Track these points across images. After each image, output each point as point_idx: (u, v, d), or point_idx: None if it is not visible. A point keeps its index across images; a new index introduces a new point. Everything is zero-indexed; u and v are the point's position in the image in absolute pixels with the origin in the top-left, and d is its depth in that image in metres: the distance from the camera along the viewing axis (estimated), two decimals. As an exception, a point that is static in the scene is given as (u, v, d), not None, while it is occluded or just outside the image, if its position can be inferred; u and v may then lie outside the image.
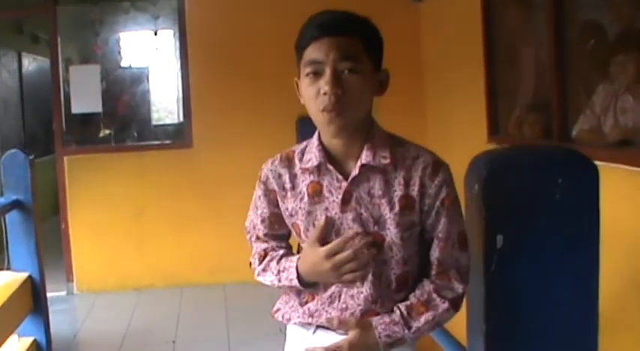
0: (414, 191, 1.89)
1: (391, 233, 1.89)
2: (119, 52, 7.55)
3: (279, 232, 2.06)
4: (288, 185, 1.98)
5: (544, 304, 1.94)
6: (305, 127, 6.50)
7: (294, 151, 2.02)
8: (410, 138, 2.02)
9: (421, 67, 6.75)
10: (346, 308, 1.93)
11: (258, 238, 2.08)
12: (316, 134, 1.97)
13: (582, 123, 3.89)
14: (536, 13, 4.76)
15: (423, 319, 1.89)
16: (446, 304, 1.88)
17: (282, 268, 1.99)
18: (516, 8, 4.96)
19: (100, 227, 6.69)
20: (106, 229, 6.70)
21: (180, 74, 6.96)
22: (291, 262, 1.97)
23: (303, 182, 1.96)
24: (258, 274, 2.06)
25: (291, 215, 1.98)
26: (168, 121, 8.26)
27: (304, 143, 2.02)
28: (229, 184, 6.76)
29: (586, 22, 4.19)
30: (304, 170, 1.95)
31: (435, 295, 1.89)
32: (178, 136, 7.50)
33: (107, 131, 7.27)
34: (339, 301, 1.94)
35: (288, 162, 2.00)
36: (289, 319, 2.03)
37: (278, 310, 2.08)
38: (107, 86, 7.19)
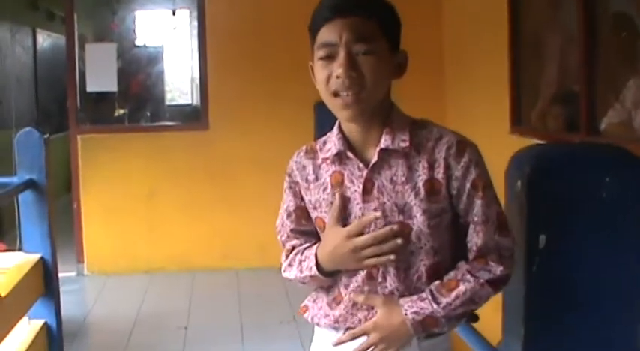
0: (440, 174, 1.80)
1: (418, 221, 1.80)
2: (134, 31, 7.49)
3: (307, 228, 1.96)
4: (311, 177, 1.90)
5: (586, 308, 1.86)
6: (323, 113, 6.40)
7: (317, 142, 1.94)
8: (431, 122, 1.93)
9: (442, 51, 6.64)
10: (372, 307, 1.84)
11: (287, 236, 1.98)
12: (337, 123, 1.89)
13: (611, 117, 3.80)
14: (564, 2, 4.67)
15: (453, 294, 1.77)
16: (481, 281, 1.77)
17: (303, 258, 1.90)
18: (544, -1, 4.87)
19: (112, 208, 6.64)
20: (118, 210, 6.65)
21: (198, 55, 6.85)
22: (311, 250, 1.88)
23: (327, 173, 1.88)
24: (284, 270, 1.97)
25: (315, 208, 1.90)
26: (181, 102, 8.22)
27: (328, 134, 1.93)
28: (244, 168, 6.69)
29: (617, 13, 4.10)
30: (325, 160, 1.87)
31: (468, 276, 1.78)
32: (192, 117, 7.44)
33: (122, 111, 7.22)
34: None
35: (313, 153, 1.92)
36: (318, 324, 1.94)
37: (306, 308, 1.98)
38: (122, 65, 7.13)
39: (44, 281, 3.98)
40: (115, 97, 7.09)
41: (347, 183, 1.85)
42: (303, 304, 2.00)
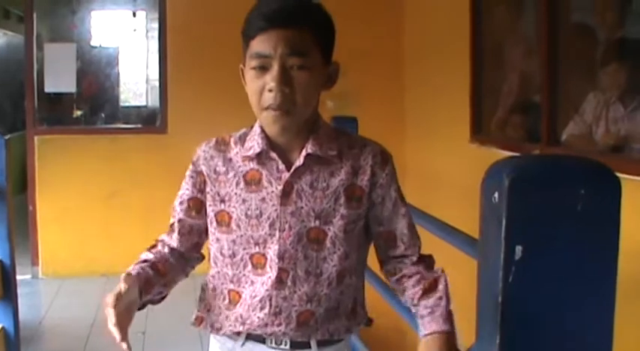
0: (363, 181, 1.83)
1: (334, 227, 1.81)
2: (89, 31, 7.41)
3: (195, 221, 1.93)
4: (221, 169, 1.87)
5: (560, 317, 1.89)
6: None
7: (230, 136, 1.92)
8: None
9: (402, 56, 6.69)
10: (280, 312, 1.83)
11: (171, 225, 1.97)
12: (257, 122, 1.86)
13: (572, 128, 3.87)
14: (526, 13, 4.74)
15: (440, 287, 1.84)
16: (439, 271, 1.87)
17: (137, 262, 1.90)
18: (506, 7, 4.93)
19: (68, 210, 6.55)
20: (74, 213, 6.56)
21: (158, 58, 6.80)
22: (132, 269, 1.86)
23: (240, 168, 1.85)
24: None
25: (222, 201, 1.86)
26: (135, 103, 8.15)
27: (243, 130, 1.91)
28: (203, 172, 6.65)
29: (578, 25, 4.17)
30: (245, 158, 1.84)
31: (427, 273, 1.86)
32: (147, 119, 7.39)
33: (79, 112, 7.13)
34: (270, 306, 1.83)
35: (224, 146, 1.90)
36: (220, 329, 1.91)
37: (201, 319, 1.96)
38: (81, 66, 7.04)
39: (2, 285, 3.91)
40: (73, 98, 6.99)
41: (265, 182, 1.83)
42: (195, 317, 1.99)
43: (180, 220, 1.94)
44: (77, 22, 7.03)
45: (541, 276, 1.83)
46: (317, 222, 1.81)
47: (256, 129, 1.85)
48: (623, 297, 1.91)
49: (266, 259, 1.83)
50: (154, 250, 1.94)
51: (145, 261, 1.90)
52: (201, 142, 1.96)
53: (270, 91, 1.73)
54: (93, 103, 7.33)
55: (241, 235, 1.84)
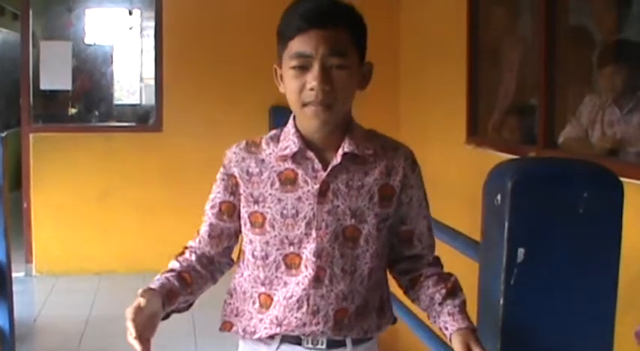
0: (395, 181, 1.87)
1: (369, 225, 1.85)
2: (84, 29, 7.41)
3: (226, 225, 1.94)
4: (254, 170, 1.87)
5: (561, 320, 1.90)
6: (278, 116, 6.49)
7: (261, 138, 1.92)
8: (383, 132, 1.99)
9: (398, 61, 6.70)
10: (317, 310, 1.84)
11: (198, 231, 1.99)
12: (291, 121, 1.87)
13: (569, 131, 3.88)
14: (523, 16, 4.74)
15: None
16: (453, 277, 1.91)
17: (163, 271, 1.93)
18: (504, 9, 4.94)
19: (63, 208, 6.53)
20: (69, 211, 6.54)
21: (154, 57, 6.79)
22: (153, 284, 1.88)
23: (273, 168, 1.86)
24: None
25: (256, 202, 1.87)
26: (129, 102, 8.15)
27: (274, 131, 1.92)
28: (197, 172, 6.62)
29: (575, 28, 4.18)
30: (279, 158, 1.85)
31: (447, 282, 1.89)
32: (140, 117, 7.38)
33: (74, 109, 7.12)
34: (308, 305, 1.84)
35: (255, 147, 1.90)
36: (254, 332, 1.90)
37: (230, 325, 1.96)
38: (77, 64, 7.03)
39: (-2, 283, 3.91)
40: (68, 96, 6.98)
41: (301, 182, 1.84)
42: (223, 323, 1.98)
43: (211, 224, 1.96)
44: (73, 19, 7.01)
45: (543, 279, 1.84)
46: (352, 220, 1.85)
47: (290, 129, 1.86)
48: (622, 300, 1.92)
49: (301, 258, 1.84)
50: (181, 258, 1.97)
51: (171, 270, 1.93)
52: (231, 146, 1.95)
53: (311, 89, 1.77)
54: (87, 101, 7.33)
55: (275, 236, 1.85)
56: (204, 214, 1.97)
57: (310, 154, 1.84)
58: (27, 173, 6.54)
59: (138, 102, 8.18)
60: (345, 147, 1.83)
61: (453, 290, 1.84)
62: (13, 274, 6.00)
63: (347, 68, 1.79)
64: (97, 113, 7.40)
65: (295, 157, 1.84)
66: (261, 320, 1.89)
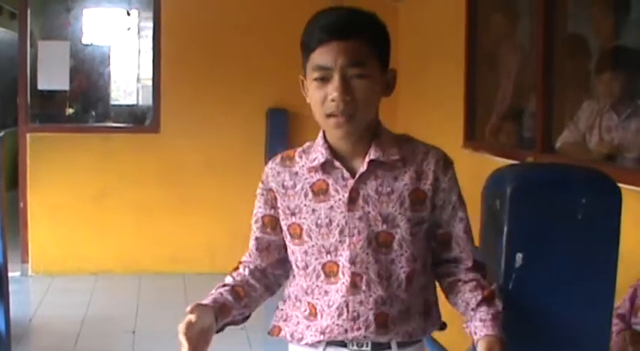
0: (426, 185, 1.88)
1: (401, 230, 1.87)
2: (82, 29, 7.41)
3: (271, 237, 1.99)
4: (288, 183, 1.93)
5: (559, 324, 1.91)
6: (275, 119, 6.52)
7: (295, 151, 1.98)
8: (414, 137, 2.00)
9: (396, 65, 6.67)
10: (358, 316, 1.87)
11: (250, 247, 2.03)
12: (321, 133, 1.93)
13: (566, 136, 3.90)
14: (521, 21, 4.76)
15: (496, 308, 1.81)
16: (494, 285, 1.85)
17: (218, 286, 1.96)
18: (502, 15, 4.95)
19: (59, 208, 6.52)
20: (65, 211, 6.53)
21: (152, 57, 6.79)
22: (216, 291, 1.94)
23: (306, 180, 1.92)
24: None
25: (293, 214, 1.92)
26: (126, 102, 8.15)
27: (307, 144, 1.98)
28: (195, 173, 6.66)
29: (574, 35, 4.20)
30: (310, 169, 1.91)
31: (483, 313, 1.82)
32: (137, 117, 7.38)
33: (71, 110, 7.12)
34: (347, 311, 1.88)
35: (289, 161, 1.96)
36: (301, 339, 1.95)
37: (279, 329, 2.00)
38: (74, 64, 7.03)
39: (-5, 283, 3.91)
40: (66, 96, 6.98)
41: (332, 191, 1.89)
42: (272, 327, 2.02)
43: (257, 238, 2.01)
44: (71, 19, 7.01)
45: (541, 283, 1.85)
46: (384, 226, 1.87)
47: (319, 141, 1.93)
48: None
49: (338, 266, 1.88)
50: (234, 273, 2.00)
51: (224, 285, 1.96)
52: (269, 163, 2.01)
53: (332, 100, 1.81)
54: (85, 101, 7.33)
55: (312, 245, 1.90)
56: (251, 230, 2.03)
57: (337, 163, 1.88)
58: (24, 173, 6.53)
59: (135, 103, 8.18)
60: (371, 154, 1.87)
61: (490, 298, 1.80)
62: (9, 274, 6.00)
63: (367, 77, 1.83)
64: (94, 114, 7.41)
65: (324, 168, 1.90)
66: (308, 327, 1.93)
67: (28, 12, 6.56)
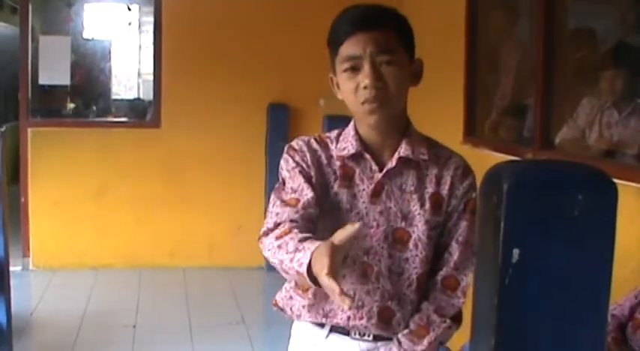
0: (444, 190, 1.91)
1: (419, 230, 1.89)
2: (83, 24, 7.42)
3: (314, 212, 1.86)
4: (324, 161, 1.93)
5: (555, 321, 1.92)
6: (276, 114, 6.52)
7: (327, 136, 1.99)
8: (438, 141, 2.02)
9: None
10: (362, 305, 1.90)
11: (285, 203, 1.85)
12: (351, 124, 1.96)
13: (566, 132, 3.91)
14: (521, 19, 4.77)
15: (425, 341, 1.88)
16: (448, 323, 1.89)
17: (299, 248, 1.68)
18: (502, 12, 4.96)
19: (60, 203, 6.54)
20: (66, 206, 6.55)
21: (153, 52, 6.79)
22: (311, 244, 1.65)
23: (337, 163, 1.93)
24: (268, 247, 1.78)
25: (322, 191, 1.92)
26: (127, 97, 8.16)
27: (335, 131, 1.99)
28: (195, 167, 6.67)
29: (575, 31, 4.20)
30: (339, 157, 1.93)
31: (435, 317, 1.89)
32: (138, 112, 7.39)
33: (72, 105, 7.13)
34: (353, 299, 1.84)
35: (324, 144, 1.97)
36: (299, 316, 1.96)
37: (281, 300, 2.00)
38: (75, 58, 7.04)
39: (-4, 277, 3.92)
40: (67, 91, 6.99)
41: (357, 180, 1.91)
42: (278, 297, 2.01)
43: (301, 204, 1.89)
44: (72, 14, 7.02)
45: (537, 279, 1.85)
46: (403, 223, 1.89)
47: (350, 131, 1.94)
48: (615, 299, 1.95)
49: (349, 253, 1.84)
50: (297, 231, 1.78)
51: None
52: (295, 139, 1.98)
53: (364, 88, 1.84)
54: (85, 96, 7.33)
55: (326, 227, 1.84)
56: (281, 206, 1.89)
57: (367, 155, 1.91)
58: (25, 168, 6.55)
59: (135, 97, 8.19)
60: (402, 151, 1.89)
61: (419, 331, 1.87)
62: (10, 268, 6.03)
63: (396, 64, 1.86)
64: (94, 108, 7.41)
65: (354, 158, 1.91)
66: (312, 306, 1.93)
67: (30, 7, 6.58)
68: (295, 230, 1.76)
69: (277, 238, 1.77)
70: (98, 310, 5.55)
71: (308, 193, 1.86)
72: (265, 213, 1.94)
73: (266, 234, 1.82)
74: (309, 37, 5.98)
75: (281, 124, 6.51)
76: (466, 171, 1.93)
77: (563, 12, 4.12)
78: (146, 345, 4.92)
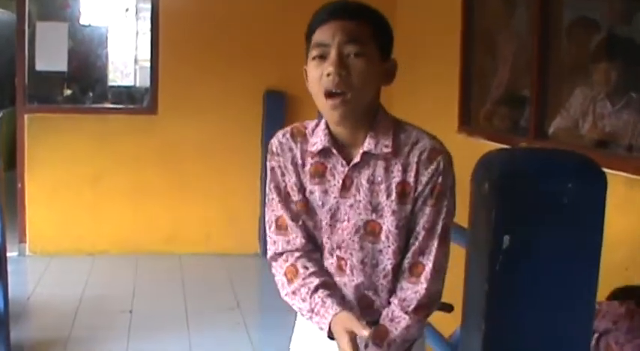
0: (411, 178, 1.89)
1: (387, 221, 1.89)
2: (79, 10, 7.40)
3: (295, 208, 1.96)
4: (299, 161, 1.95)
5: (545, 305, 1.95)
6: (272, 101, 6.54)
7: (306, 128, 1.98)
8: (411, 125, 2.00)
9: (393, 53, 6.72)
10: (343, 297, 1.93)
11: (278, 228, 1.96)
12: (324, 118, 1.95)
13: (559, 122, 3.94)
14: (518, 7, 4.78)
15: (385, 344, 1.90)
16: (411, 316, 1.89)
17: (316, 311, 1.86)
18: (498, 2, 4.97)
19: (57, 189, 6.56)
20: (63, 192, 6.57)
21: (150, 39, 6.78)
22: (327, 312, 1.84)
23: (309, 161, 1.94)
24: (286, 295, 1.95)
25: (299, 191, 1.95)
26: (123, 83, 8.14)
27: (314, 122, 1.99)
28: (192, 154, 6.69)
29: (572, 22, 4.21)
30: (310, 153, 1.94)
31: (397, 311, 1.90)
32: (135, 99, 7.39)
33: (69, 91, 7.13)
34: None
35: (301, 137, 1.96)
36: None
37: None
38: (72, 45, 7.03)
39: (-8, 262, 3.94)
40: (63, 77, 6.98)
41: (328, 176, 1.92)
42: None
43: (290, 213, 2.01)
44: (69, 0, 7.00)
45: (527, 265, 1.89)
46: (373, 215, 1.89)
47: (322, 125, 1.94)
48: (603, 286, 1.98)
49: (326, 247, 1.93)
50: (304, 275, 1.93)
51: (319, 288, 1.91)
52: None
53: (328, 75, 1.82)
54: (82, 83, 7.33)
55: (309, 224, 1.94)
56: (274, 217, 2.04)
57: (335, 151, 1.91)
58: (22, 154, 6.55)
59: (132, 84, 8.17)
60: (365, 147, 1.88)
61: (383, 333, 1.89)
62: (7, 254, 6.04)
63: (365, 57, 1.84)
64: (91, 95, 7.40)
65: (324, 153, 1.92)
66: None
67: (27, -8, 6.57)
68: (301, 271, 1.91)
69: (289, 281, 1.93)
70: (95, 296, 5.57)
71: (289, 214, 1.95)
72: (262, 199, 2.00)
73: (274, 259, 1.97)
74: (306, 23, 5.97)
75: (277, 111, 6.51)
76: (432, 155, 1.88)
77: (558, 3, 4.13)
78: (142, 330, 4.94)
